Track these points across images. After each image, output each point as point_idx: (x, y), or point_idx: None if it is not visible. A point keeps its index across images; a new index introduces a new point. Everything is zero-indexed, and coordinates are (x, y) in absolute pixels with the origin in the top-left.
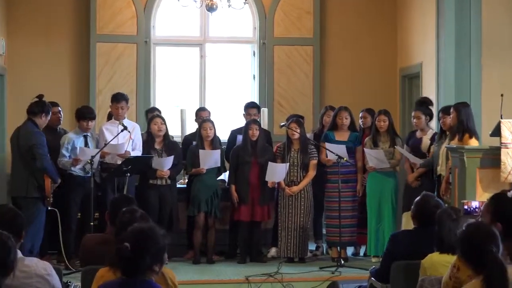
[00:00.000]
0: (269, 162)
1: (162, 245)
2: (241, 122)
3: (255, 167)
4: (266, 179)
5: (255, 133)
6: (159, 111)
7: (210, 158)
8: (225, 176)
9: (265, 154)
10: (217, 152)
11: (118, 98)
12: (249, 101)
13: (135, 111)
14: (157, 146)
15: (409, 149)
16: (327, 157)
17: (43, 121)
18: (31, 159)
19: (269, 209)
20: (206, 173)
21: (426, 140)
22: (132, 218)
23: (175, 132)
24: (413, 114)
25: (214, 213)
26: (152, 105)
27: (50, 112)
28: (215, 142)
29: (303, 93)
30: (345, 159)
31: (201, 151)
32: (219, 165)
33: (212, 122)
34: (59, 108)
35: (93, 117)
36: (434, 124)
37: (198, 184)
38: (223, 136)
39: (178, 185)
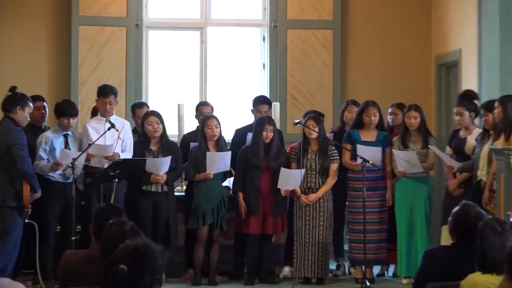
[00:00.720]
0: (282, 168)
1: (160, 264)
2: (248, 119)
3: (267, 173)
4: (279, 186)
5: (269, 135)
6: (148, 106)
7: (219, 161)
8: (228, 182)
9: (278, 157)
10: (227, 155)
11: (105, 92)
12: (258, 94)
13: (124, 106)
14: (153, 147)
15: (452, 151)
16: (352, 159)
17: (21, 116)
18: (11, 161)
19: (283, 221)
20: (212, 179)
21: (471, 141)
22: (120, 232)
23: (171, 131)
24: (455, 110)
25: (220, 226)
26: (144, 99)
27: (30, 104)
28: (220, 143)
29: (322, 85)
30: (370, 162)
31: (208, 153)
32: (228, 169)
33: (217, 119)
34: (44, 103)
35: (75, 113)
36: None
37: (202, 192)
38: (227, 135)
39: (176, 193)
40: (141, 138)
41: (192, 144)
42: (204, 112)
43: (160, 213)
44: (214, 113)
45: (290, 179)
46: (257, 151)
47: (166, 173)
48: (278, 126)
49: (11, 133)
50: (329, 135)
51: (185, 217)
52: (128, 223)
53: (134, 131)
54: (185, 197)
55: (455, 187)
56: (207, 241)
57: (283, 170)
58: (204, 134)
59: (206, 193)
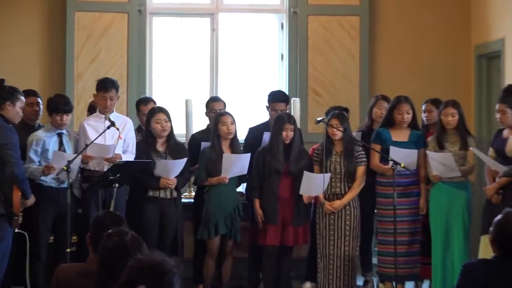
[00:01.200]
0: (305, 172)
1: (177, 279)
2: (264, 117)
3: (287, 177)
4: (301, 192)
5: (289, 134)
6: (155, 102)
7: (236, 164)
8: (243, 187)
9: (300, 160)
10: (246, 157)
11: (106, 86)
12: (275, 89)
13: (125, 101)
14: (159, 148)
15: (494, 153)
16: (381, 162)
17: (11, 112)
18: (0, 163)
19: (305, 231)
20: (226, 184)
21: None
22: (119, 243)
23: (178, 130)
24: (496, 107)
25: (234, 236)
26: (148, 94)
27: (22, 98)
28: (236, 143)
29: (347, 79)
30: (402, 165)
31: (225, 155)
32: (245, 172)
33: (232, 116)
34: (38, 98)
35: (69, 109)
36: None
37: (214, 198)
38: (240, 135)
39: (183, 199)
40: (146, 137)
41: (204, 144)
42: (215, 108)
43: (167, 222)
44: (226, 110)
45: (313, 184)
46: (276, 153)
47: (176, 177)
48: (298, 124)
49: (1, 131)
50: (356, 134)
51: (194, 226)
52: (129, 233)
53: (138, 129)
54: (194, 204)
55: (493, 192)
56: (218, 253)
57: (306, 174)
58: (217, 133)
59: (219, 199)
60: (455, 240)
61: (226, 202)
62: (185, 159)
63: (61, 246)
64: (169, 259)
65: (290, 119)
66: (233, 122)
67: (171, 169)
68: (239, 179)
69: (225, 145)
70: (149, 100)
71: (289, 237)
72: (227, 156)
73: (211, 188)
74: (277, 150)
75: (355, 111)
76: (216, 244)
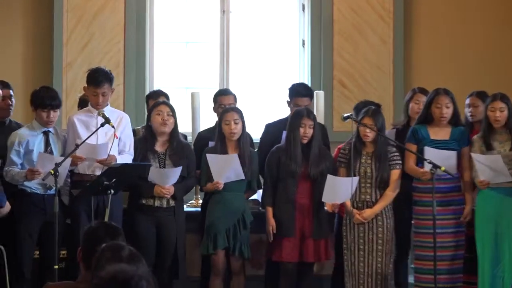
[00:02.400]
0: (328, 175)
1: (145, 283)
2: (283, 112)
3: (305, 182)
4: (324, 199)
5: (308, 131)
6: (167, 97)
7: (225, 167)
8: (258, 195)
9: (321, 162)
10: (233, 157)
11: (98, 79)
12: (296, 81)
13: (122, 95)
14: (158, 148)
15: None
16: (418, 165)
17: None
18: None
19: (327, 245)
20: (228, 190)
21: None
22: (115, 259)
23: (184, 128)
24: None
25: (240, 251)
26: (148, 86)
27: None
28: (243, 143)
29: (379, 68)
30: (442, 168)
31: (209, 156)
32: (242, 177)
33: (239, 112)
34: (10, 90)
35: (56, 105)
36: None
37: (216, 207)
38: (255, 133)
39: (187, 208)
40: (145, 134)
41: (211, 144)
42: (224, 103)
43: (165, 235)
44: (238, 105)
45: (338, 189)
46: (292, 153)
47: (174, 184)
48: (321, 121)
49: None
50: (389, 132)
51: (201, 239)
52: (126, 248)
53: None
54: (201, 214)
55: None
56: (226, 270)
57: (330, 178)
58: (221, 132)
59: (221, 208)
60: (506, 256)
61: (228, 211)
62: (179, 168)
63: (47, 262)
64: (141, 274)
65: (310, 114)
66: (239, 120)
67: (166, 177)
68: (249, 185)
69: (230, 146)
70: (159, 93)
71: (308, 252)
72: (212, 157)
73: (212, 195)
74: (293, 150)
75: (388, 106)
76: (220, 260)
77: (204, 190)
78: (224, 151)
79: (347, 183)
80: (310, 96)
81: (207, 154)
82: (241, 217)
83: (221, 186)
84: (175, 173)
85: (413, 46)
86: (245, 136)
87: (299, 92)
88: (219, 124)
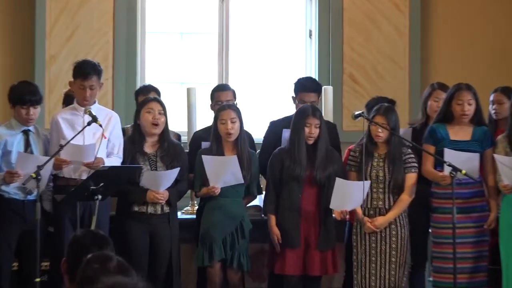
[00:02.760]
0: (337, 179)
1: None
2: (288, 109)
3: (311, 186)
4: (332, 206)
5: (313, 131)
6: (158, 93)
7: (223, 170)
8: (260, 200)
9: (328, 165)
10: (232, 160)
11: (85, 72)
12: (302, 76)
13: (111, 90)
14: (148, 150)
15: None
16: (436, 167)
17: None
18: None
19: (335, 257)
20: (225, 196)
21: None
22: (102, 271)
23: (179, 127)
24: None
25: (238, 263)
26: (139, 80)
27: None
28: (241, 144)
29: (393, 61)
30: (463, 172)
31: (204, 157)
32: (241, 181)
33: (236, 110)
34: None
35: (37, 101)
36: None
37: (211, 214)
38: (258, 133)
39: (182, 215)
40: (133, 134)
41: (205, 145)
42: (221, 100)
43: (159, 244)
44: (238, 102)
45: (348, 195)
46: (296, 156)
47: (168, 188)
48: (330, 119)
49: None
50: (405, 131)
51: (196, 249)
52: (114, 259)
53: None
54: (196, 221)
55: None
56: (224, 282)
57: (338, 182)
58: (217, 132)
59: (217, 215)
60: None
61: (225, 219)
62: (177, 169)
63: (28, 275)
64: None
65: (315, 112)
66: (236, 119)
67: (160, 180)
68: (248, 189)
69: (227, 147)
70: (150, 89)
71: (314, 264)
72: (208, 158)
73: (208, 201)
74: (298, 152)
75: (403, 103)
76: (216, 273)
77: (198, 196)
78: (220, 153)
79: (357, 188)
80: (318, 91)
81: (202, 156)
82: (239, 225)
83: (217, 191)
84: (171, 176)
85: (431, 36)
86: (243, 136)
87: (305, 86)
88: (214, 123)
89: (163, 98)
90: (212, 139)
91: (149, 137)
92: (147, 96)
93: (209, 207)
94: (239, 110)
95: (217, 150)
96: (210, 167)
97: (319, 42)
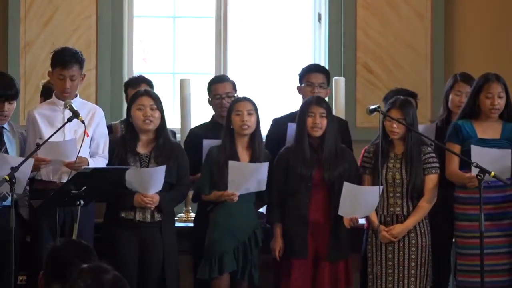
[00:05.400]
0: (345, 183)
1: None
2: (294, 104)
3: (321, 189)
4: (340, 212)
5: (317, 121)
6: (151, 85)
7: (249, 176)
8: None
9: (338, 163)
10: (264, 167)
11: (64, 60)
12: (309, 63)
13: (94, 82)
14: (141, 150)
15: None
16: (462, 169)
17: None
18: None
19: (348, 269)
20: (238, 201)
21: None
22: (96, 285)
23: (172, 123)
24: None
25: (249, 276)
26: (126, 71)
27: None
28: (258, 142)
29: (413, 49)
30: (492, 173)
31: (232, 162)
32: (263, 188)
33: (254, 103)
34: None
35: (12, 95)
36: None
37: (221, 221)
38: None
39: (177, 223)
40: (125, 133)
41: (207, 143)
42: (219, 93)
43: (150, 255)
44: (237, 95)
45: (358, 201)
46: (301, 153)
47: (160, 192)
48: (342, 114)
49: None
50: (425, 128)
51: (194, 261)
52: (110, 272)
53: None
54: (194, 230)
55: None
56: None
57: (347, 187)
58: (229, 126)
59: (228, 223)
60: None
61: (238, 226)
62: (163, 167)
63: None
64: None
65: (320, 101)
66: (253, 111)
67: (147, 180)
68: (258, 196)
69: (241, 145)
70: (141, 80)
71: (324, 277)
72: (235, 164)
73: (217, 207)
74: (302, 148)
75: (425, 96)
76: (223, 285)
77: (206, 199)
78: (234, 151)
79: (368, 193)
80: (326, 74)
81: (229, 162)
82: (252, 234)
83: (236, 199)
84: (157, 174)
85: (456, 21)
86: (259, 134)
87: (310, 67)
88: (228, 116)
89: (155, 90)
90: (224, 134)
91: (143, 134)
92: (137, 89)
93: (220, 213)
94: (256, 105)
95: (230, 147)
96: (235, 173)
97: (329, 27)
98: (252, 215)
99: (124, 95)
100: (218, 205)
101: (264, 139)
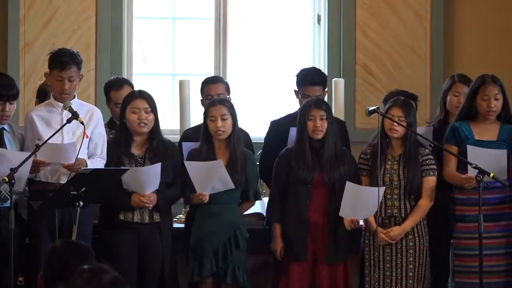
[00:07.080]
0: (348, 183)
1: None
2: (291, 106)
3: (321, 191)
4: (341, 214)
5: (318, 124)
6: (131, 85)
7: (210, 176)
8: (262, 207)
9: (339, 165)
10: (218, 165)
11: (62, 62)
12: (306, 67)
13: (93, 83)
14: (136, 151)
15: None
16: (459, 170)
17: None
18: None
19: (347, 271)
20: (216, 202)
21: None
22: (96, 285)
23: (170, 124)
24: None
25: (233, 277)
26: (125, 72)
27: None
28: (234, 144)
29: (413, 51)
30: (491, 175)
31: (187, 162)
32: (231, 186)
33: (228, 106)
34: None
35: (13, 95)
36: None
37: (203, 222)
38: (259, 132)
39: (176, 224)
40: (119, 134)
41: (187, 146)
42: (212, 94)
43: (148, 257)
44: (237, 96)
45: (360, 202)
46: (301, 155)
47: (157, 192)
48: (341, 115)
49: None
50: (426, 130)
51: (186, 262)
52: (110, 273)
53: (110, 125)
54: (185, 231)
55: None
56: None
57: (349, 187)
58: (207, 130)
59: (208, 224)
60: None
61: (217, 227)
62: (158, 165)
63: None
64: None
65: (319, 103)
66: (227, 116)
67: (142, 179)
68: (244, 194)
69: (219, 148)
70: (122, 82)
71: (322, 279)
72: (191, 165)
73: (198, 209)
74: (302, 150)
75: (424, 98)
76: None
77: (186, 203)
78: (211, 154)
79: (371, 194)
80: (322, 84)
81: (185, 162)
82: (232, 234)
83: (206, 199)
84: (152, 172)
85: (455, 22)
86: (236, 134)
87: (306, 79)
88: (204, 120)
89: (153, 92)
90: (202, 138)
91: (137, 136)
92: (120, 90)
93: (200, 215)
94: (232, 106)
95: (208, 151)
96: (194, 174)
97: (329, 29)
98: (233, 216)
99: (105, 97)
100: (199, 208)
101: (262, 141)
